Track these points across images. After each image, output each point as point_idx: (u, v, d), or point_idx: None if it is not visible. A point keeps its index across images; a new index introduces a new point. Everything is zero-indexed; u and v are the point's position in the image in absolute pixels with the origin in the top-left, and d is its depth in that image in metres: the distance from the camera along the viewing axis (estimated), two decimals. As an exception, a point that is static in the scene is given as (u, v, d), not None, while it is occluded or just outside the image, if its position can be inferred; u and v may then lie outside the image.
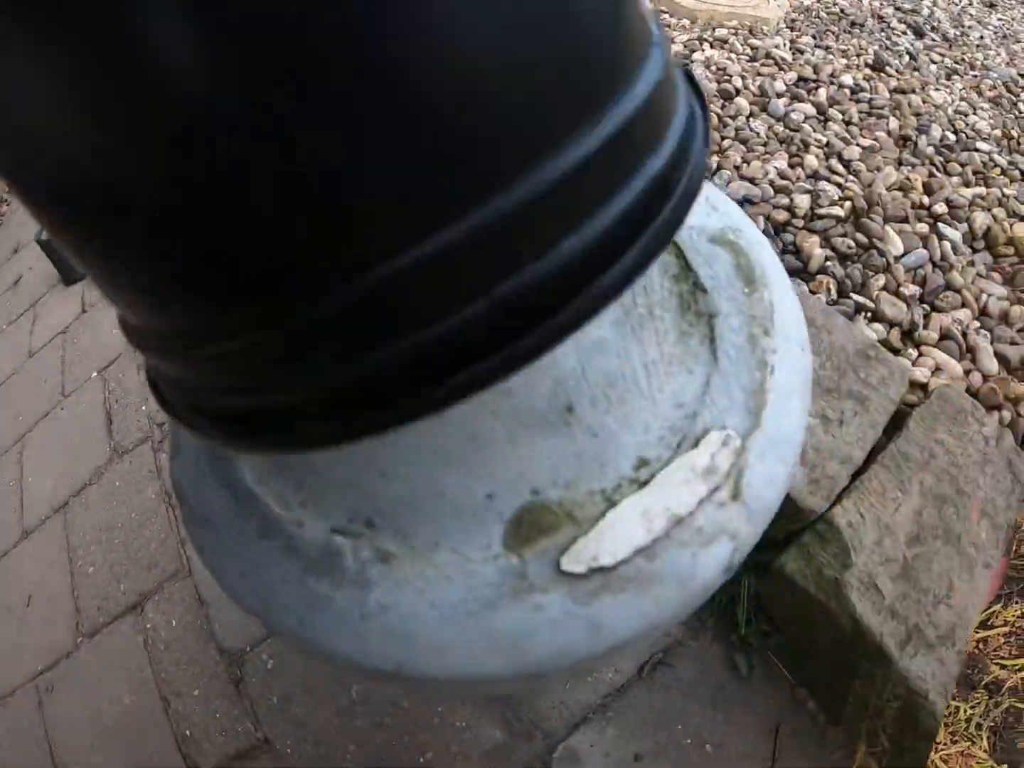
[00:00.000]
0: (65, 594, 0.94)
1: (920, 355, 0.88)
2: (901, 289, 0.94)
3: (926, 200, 1.12)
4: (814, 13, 1.96)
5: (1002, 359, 0.91)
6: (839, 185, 1.09)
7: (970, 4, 2.57)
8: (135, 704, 0.79)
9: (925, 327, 0.91)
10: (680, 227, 0.24)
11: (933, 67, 1.75)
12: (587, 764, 0.62)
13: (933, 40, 1.97)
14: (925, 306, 0.95)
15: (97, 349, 1.35)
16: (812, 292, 0.91)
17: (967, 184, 1.22)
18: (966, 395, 0.74)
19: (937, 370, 0.86)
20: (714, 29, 1.69)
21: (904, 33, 2.00)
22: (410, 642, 0.28)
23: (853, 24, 1.94)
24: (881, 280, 0.94)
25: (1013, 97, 1.70)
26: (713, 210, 0.37)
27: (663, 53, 0.24)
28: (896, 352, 0.86)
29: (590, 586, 0.29)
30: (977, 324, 0.96)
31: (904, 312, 0.92)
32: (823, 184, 1.07)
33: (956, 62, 1.85)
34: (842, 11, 2.04)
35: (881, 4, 2.19)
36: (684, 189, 0.24)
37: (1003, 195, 1.22)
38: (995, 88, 1.71)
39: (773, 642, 0.63)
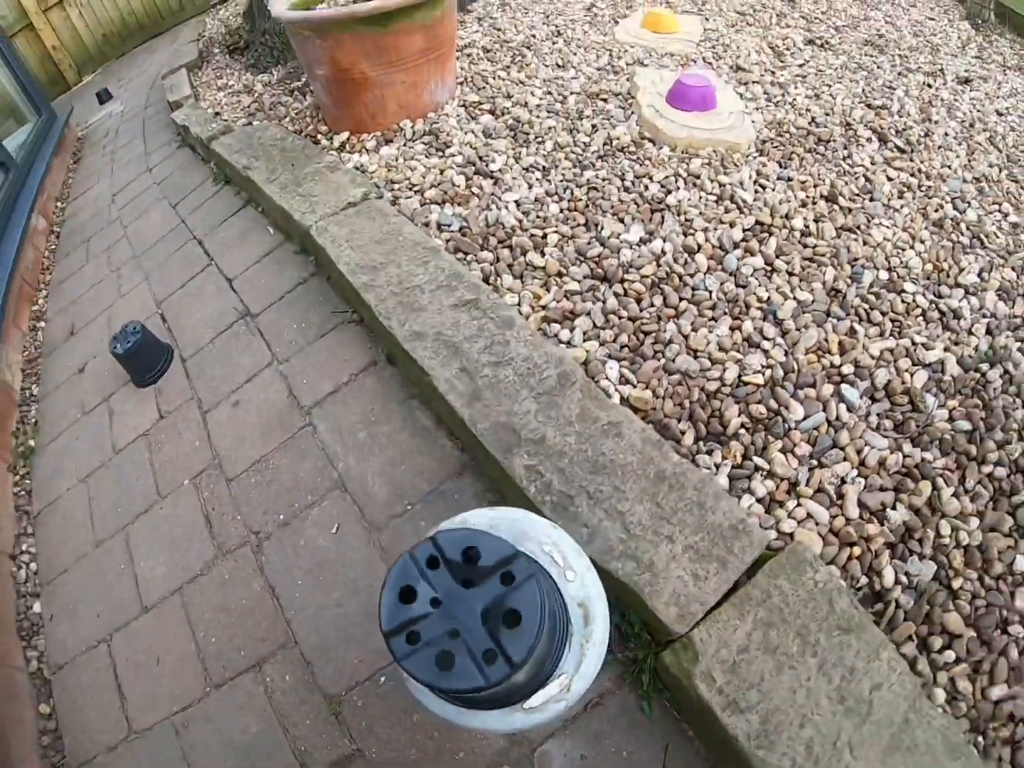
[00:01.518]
0: (191, 656, 1.27)
1: (798, 505, 1.18)
2: (795, 450, 1.24)
3: (837, 360, 1.44)
4: (785, 128, 2.23)
5: (863, 505, 1.31)
6: (766, 352, 1.44)
7: (943, 85, 2.86)
8: (261, 731, 1.14)
9: (807, 483, 1.21)
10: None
11: (887, 186, 2.02)
12: (554, 760, 1.00)
13: (894, 150, 2.24)
14: (813, 461, 1.35)
15: (183, 459, 1.64)
16: (723, 457, 1.33)
17: (883, 334, 1.50)
18: (810, 550, 1.14)
19: (808, 517, 1.18)
20: (690, 160, 1.95)
21: (869, 141, 2.28)
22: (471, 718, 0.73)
23: (819, 141, 2.18)
24: (779, 444, 1.25)
25: (959, 214, 1.97)
26: (580, 586, 0.78)
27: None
28: (780, 504, 1.28)
29: (534, 708, 0.73)
30: (855, 473, 1.35)
31: (792, 470, 1.21)
32: (751, 356, 1.38)
33: (912, 174, 2.12)
34: (812, 120, 2.32)
35: (853, 103, 2.48)
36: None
37: (912, 343, 1.49)
38: (941, 208, 1.98)
39: (664, 695, 1.07)
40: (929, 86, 2.87)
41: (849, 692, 0.94)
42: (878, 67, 2.93)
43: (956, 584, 1.16)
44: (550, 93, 2.42)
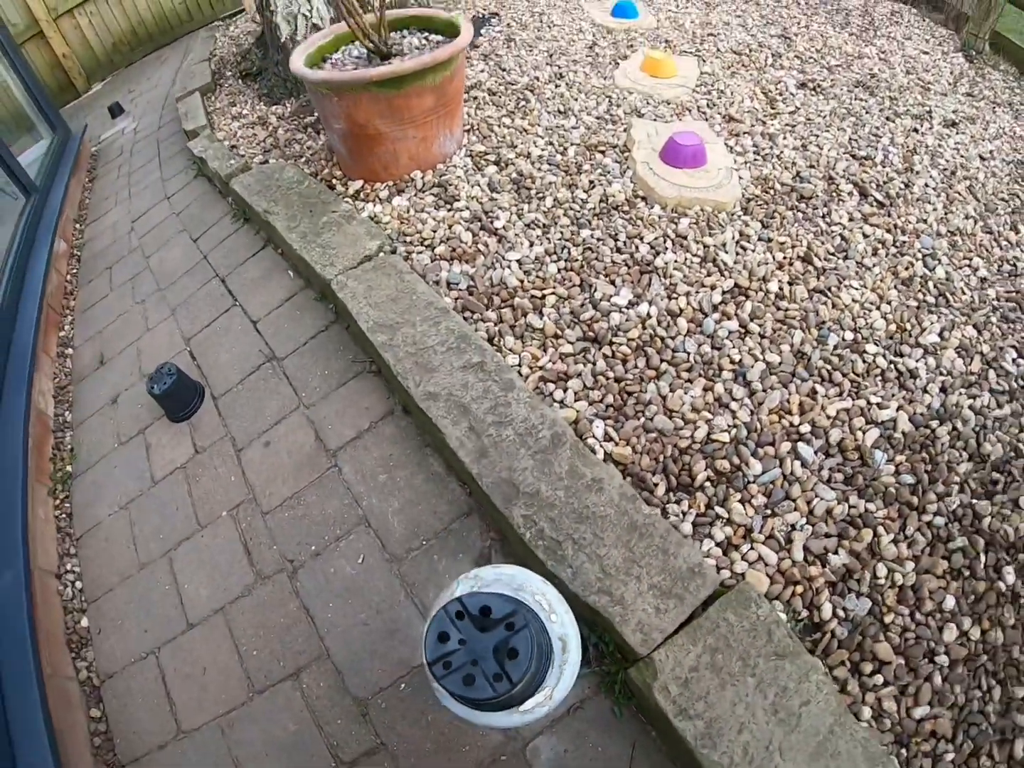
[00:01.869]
0: (235, 667, 1.55)
1: (751, 548, 1.46)
2: (752, 501, 1.56)
3: (796, 420, 1.71)
4: (770, 184, 2.51)
5: (808, 550, 1.62)
6: (733, 413, 1.72)
7: (930, 129, 3.11)
8: (299, 730, 1.41)
9: (760, 530, 1.52)
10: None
11: (862, 244, 2.29)
12: (542, 752, 1.28)
13: (873, 204, 2.51)
14: (767, 511, 1.66)
15: (220, 492, 1.89)
16: (690, 506, 1.64)
17: (841, 394, 1.77)
18: (755, 589, 1.43)
19: (759, 559, 1.49)
20: (679, 220, 2.24)
21: (850, 195, 2.55)
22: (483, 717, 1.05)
23: (801, 198, 2.46)
24: (738, 496, 1.57)
25: (928, 272, 2.24)
26: (560, 625, 1.07)
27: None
28: (736, 547, 1.58)
29: (526, 711, 1.04)
30: (804, 521, 1.66)
31: (748, 518, 1.49)
32: (719, 417, 1.67)
33: (888, 230, 2.38)
34: (797, 175, 2.60)
35: (838, 155, 2.75)
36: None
37: (868, 404, 1.77)
38: (911, 266, 2.24)
39: (632, 702, 1.39)
40: (916, 130, 3.14)
41: (781, 706, 1.24)
42: (867, 112, 3.20)
43: (888, 619, 1.43)
44: (551, 144, 2.72)
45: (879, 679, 1.34)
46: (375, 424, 1.86)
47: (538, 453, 1.52)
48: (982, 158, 3.02)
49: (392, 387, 1.89)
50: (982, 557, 1.51)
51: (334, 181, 2.71)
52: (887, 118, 3.19)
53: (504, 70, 3.37)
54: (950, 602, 1.43)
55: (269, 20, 3.64)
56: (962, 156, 2.99)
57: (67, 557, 2.08)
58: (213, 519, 1.89)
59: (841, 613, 1.42)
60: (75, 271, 3.40)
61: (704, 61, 3.49)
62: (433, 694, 0.95)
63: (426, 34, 2.77)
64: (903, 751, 1.29)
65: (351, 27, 2.40)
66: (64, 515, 2.20)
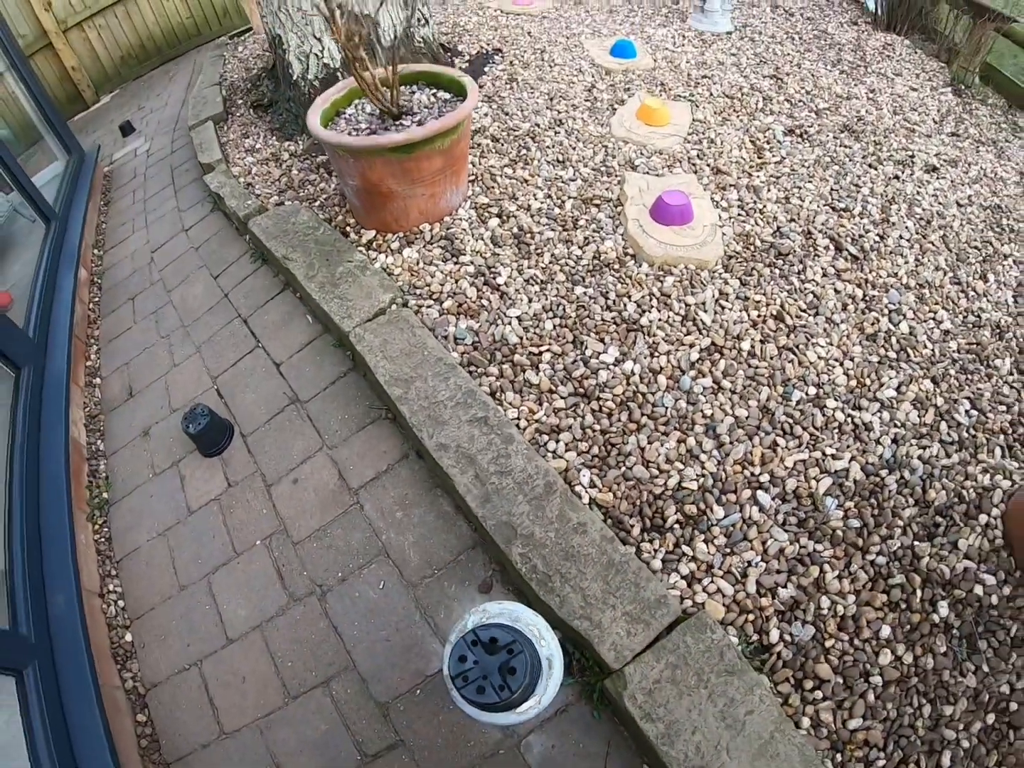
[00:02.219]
0: (272, 676, 1.89)
1: (711, 582, 1.79)
2: (714, 541, 1.89)
3: (757, 471, 2.05)
4: (751, 241, 2.85)
5: (760, 584, 1.98)
6: (702, 464, 2.11)
7: (910, 176, 3.44)
8: (329, 730, 1.74)
9: (720, 566, 1.89)
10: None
11: (832, 300, 2.61)
12: (533, 747, 1.63)
13: (847, 259, 2.82)
14: (727, 550, 2.02)
15: (253, 523, 2.19)
16: (660, 545, 2.01)
17: (800, 446, 2.11)
18: (712, 616, 1.76)
19: (717, 591, 1.87)
20: (664, 278, 2.58)
21: (826, 249, 2.87)
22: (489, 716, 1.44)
23: (779, 255, 2.79)
24: (702, 536, 1.96)
25: (892, 327, 2.55)
26: (547, 648, 1.40)
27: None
28: (698, 580, 1.93)
29: (521, 712, 1.43)
30: (758, 559, 2.01)
31: (710, 556, 1.82)
32: (689, 468, 2.06)
33: (859, 285, 2.69)
34: (777, 230, 2.92)
35: (818, 207, 3.08)
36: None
37: (823, 455, 2.09)
38: (877, 322, 2.52)
39: (608, 707, 1.75)
40: (897, 177, 3.49)
41: (729, 714, 1.62)
42: (850, 159, 3.56)
43: (829, 644, 1.76)
44: (550, 196, 3.09)
45: (819, 694, 1.63)
46: (392, 466, 2.24)
47: (533, 500, 1.90)
48: (959, 204, 3.35)
49: (407, 435, 2.27)
50: (918, 592, 1.80)
51: (348, 228, 3.08)
52: (870, 165, 3.55)
53: (507, 114, 3.74)
54: (886, 631, 1.73)
55: (282, 58, 4.02)
56: (940, 203, 3.33)
57: (108, 578, 2.42)
58: (248, 547, 2.26)
59: (787, 638, 1.72)
60: (97, 299, 3.76)
61: (697, 106, 3.86)
62: (447, 698, 1.34)
63: (434, 90, 3.14)
64: (838, 756, 1.61)
65: (365, 91, 2.78)
66: (103, 539, 2.54)
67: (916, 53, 5.28)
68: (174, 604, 2.24)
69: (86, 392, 3.11)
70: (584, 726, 1.67)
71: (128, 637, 2.20)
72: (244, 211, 3.35)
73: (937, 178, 3.56)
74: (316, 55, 3.88)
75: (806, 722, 1.64)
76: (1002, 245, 3.15)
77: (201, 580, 2.27)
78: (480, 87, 4.04)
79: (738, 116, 3.82)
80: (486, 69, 4.26)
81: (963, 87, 4.89)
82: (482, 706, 1.21)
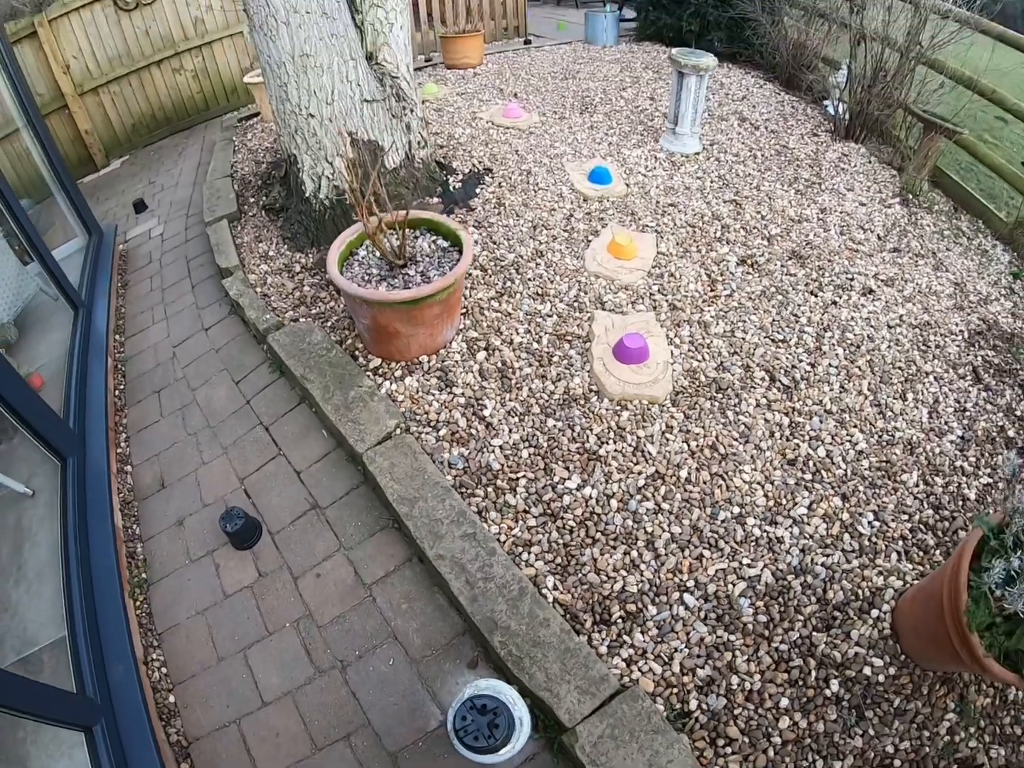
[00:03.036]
0: (301, 731, 2.29)
1: (645, 663, 2.57)
2: (649, 632, 2.62)
3: (686, 577, 2.87)
4: (697, 376, 3.63)
5: (683, 665, 2.76)
6: (641, 572, 2.99)
7: (847, 301, 4.21)
8: None
9: (651, 652, 2.67)
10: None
11: (761, 429, 3.33)
12: None
13: (779, 389, 3.47)
14: (659, 639, 2.77)
15: (283, 609, 2.72)
16: (606, 635, 2.93)
17: (722, 557, 2.97)
18: (644, 690, 2.45)
19: (649, 670, 2.65)
20: (621, 412, 3.39)
21: (762, 381, 3.62)
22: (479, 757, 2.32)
23: (719, 389, 3.54)
24: (639, 629, 2.70)
25: (811, 452, 3.27)
26: (519, 711, 2.15)
27: None
28: (635, 662, 2.75)
29: (501, 755, 2.30)
30: (682, 646, 2.72)
31: (644, 643, 2.57)
32: (632, 575, 2.97)
33: (786, 413, 3.33)
34: (720, 364, 3.69)
35: (759, 340, 3.87)
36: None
37: (740, 564, 2.85)
38: (797, 448, 3.14)
39: (566, 757, 2.31)
40: (835, 303, 4.30)
41: (655, 762, 2.24)
42: (793, 288, 4.38)
43: (737, 711, 2.25)
44: (529, 331, 3.79)
45: (729, 750, 2.17)
46: (398, 567, 3.11)
47: (510, 600, 2.78)
48: (889, 326, 4.04)
49: (411, 543, 3.12)
50: (813, 672, 2.35)
51: (356, 352, 3.83)
52: (811, 292, 4.40)
53: (495, 243, 4.51)
54: (785, 702, 2.28)
55: (296, 175, 4.93)
56: (871, 326, 4.01)
57: (151, 648, 2.80)
58: (279, 628, 3.05)
59: (704, 706, 2.28)
60: (122, 387, 4.30)
61: (662, 237, 4.79)
62: (444, 748, 2.18)
63: (434, 237, 4.05)
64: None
65: (374, 243, 3.72)
66: (144, 614, 2.93)
67: (871, 163, 6.20)
68: (214, 672, 2.69)
69: (118, 478, 3.57)
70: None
71: (171, 699, 2.64)
72: (263, 324, 4.22)
73: (872, 300, 4.30)
74: (327, 177, 4.75)
75: (717, 773, 2.36)
76: (925, 363, 3.82)
77: (238, 653, 2.72)
78: (471, 209, 5.02)
79: (697, 247, 4.74)
80: (477, 191, 5.19)
81: (911, 196, 5.72)
82: (475, 749, 2.09)
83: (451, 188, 5.05)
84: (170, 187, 6.76)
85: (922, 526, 2.94)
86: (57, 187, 5.15)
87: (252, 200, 5.45)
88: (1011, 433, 3.48)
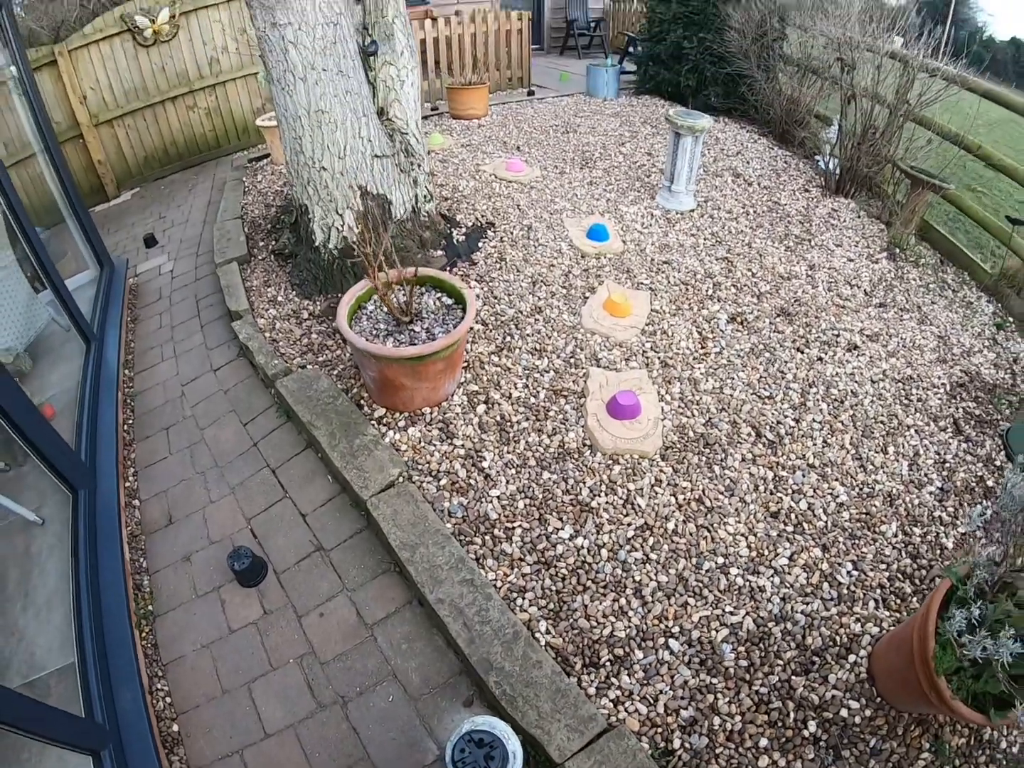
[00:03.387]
0: (303, 763, 2.36)
1: (631, 704, 2.78)
2: (635, 675, 2.84)
3: (671, 624, 3.06)
4: (686, 432, 3.86)
5: (667, 706, 2.97)
6: (629, 618, 3.19)
7: (833, 357, 4.43)
8: None
9: (638, 693, 2.91)
10: None
11: (746, 483, 3.55)
12: None
13: (764, 445, 3.68)
14: (645, 681, 2.94)
15: (287, 645, 2.83)
16: (595, 677, 3.12)
17: (706, 605, 3.18)
18: (630, 728, 2.65)
19: (635, 710, 2.81)
20: (612, 467, 3.61)
21: (748, 436, 3.85)
22: None
23: (707, 445, 3.79)
24: (626, 671, 2.95)
25: (793, 505, 3.49)
26: (512, 746, 2.36)
27: None
28: (622, 703, 2.97)
29: None
30: (639, 688, 3.06)
31: (631, 685, 2.80)
32: (620, 621, 3.16)
33: (771, 467, 3.53)
34: (708, 420, 3.91)
35: (746, 396, 4.09)
36: None
37: (723, 612, 3.04)
38: (781, 501, 3.31)
39: None
40: (820, 359, 4.52)
41: None
42: (781, 345, 4.60)
43: (719, 750, 2.37)
44: (527, 386, 3.98)
45: None
46: (399, 609, 3.32)
47: (505, 643, 3.00)
48: (873, 381, 4.25)
49: (411, 587, 3.32)
50: (792, 714, 2.48)
51: (362, 401, 3.98)
52: (798, 348, 4.64)
53: (496, 298, 4.74)
54: (764, 742, 2.41)
55: (306, 225, 5.19)
56: (855, 382, 4.22)
57: (156, 678, 2.88)
58: (283, 664, 3.22)
59: (687, 745, 2.41)
60: (131, 421, 4.40)
61: (656, 295, 5.06)
62: None
63: (440, 294, 4.32)
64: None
65: (386, 305, 3.99)
66: (151, 645, 3.01)
67: (860, 217, 6.47)
68: (218, 704, 2.77)
69: (126, 512, 3.65)
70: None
71: (175, 728, 2.71)
72: (272, 370, 4.45)
73: (857, 356, 4.48)
74: (337, 229, 5.00)
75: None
76: (907, 416, 4.01)
77: (242, 687, 2.81)
78: (474, 263, 5.29)
79: (690, 304, 5.01)
80: (479, 244, 5.45)
81: (899, 250, 5.98)
82: (472, 782, 2.30)
83: (455, 241, 5.27)
84: (180, 223, 7.03)
85: (900, 575, 3.07)
86: (71, 217, 5.32)
87: (262, 243, 5.68)
88: (990, 483, 3.63)
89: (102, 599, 3.02)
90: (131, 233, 7.06)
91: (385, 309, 3.91)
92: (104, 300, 5.07)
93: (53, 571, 3.12)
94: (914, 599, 2.98)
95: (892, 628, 2.79)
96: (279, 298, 5.00)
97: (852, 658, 2.74)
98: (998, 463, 3.76)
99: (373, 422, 3.89)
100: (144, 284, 6.00)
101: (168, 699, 2.89)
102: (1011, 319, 5.19)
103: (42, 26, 8.33)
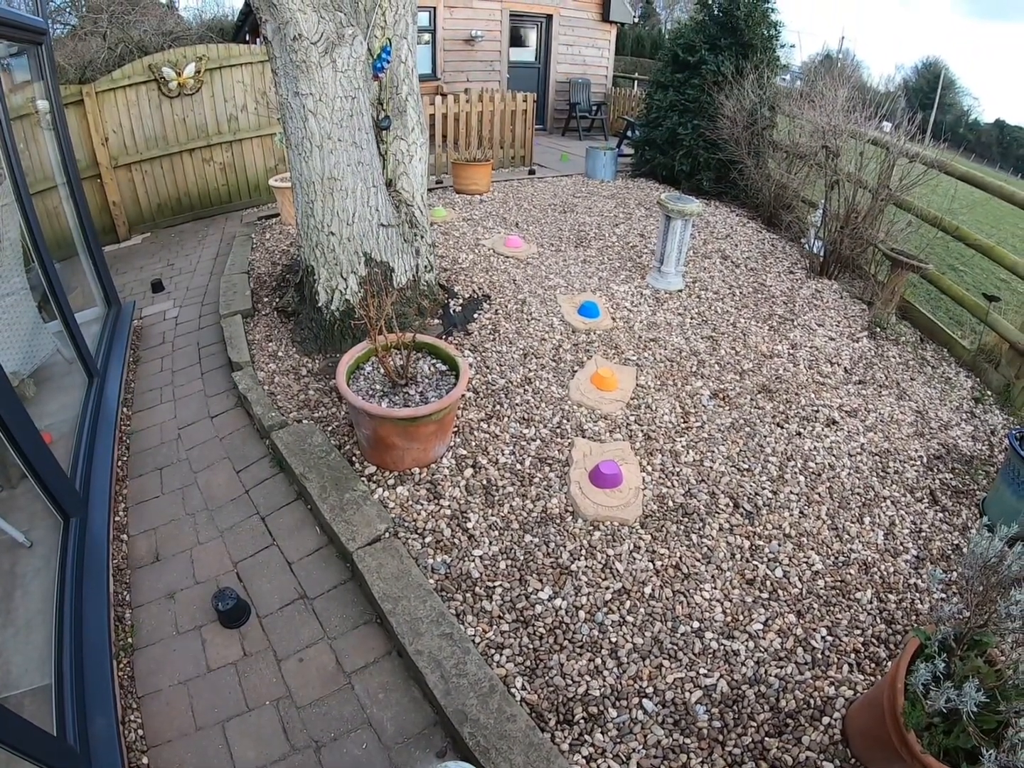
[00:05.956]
0: None
1: (604, 761, 3.10)
2: (609, 732, 2.87)
3: (645, 684, 3.08)
4: (665, 502, 3.93)
5: (639, 764, 3.16)
6: (603, 678, 3.23)
7: (811, 432, 4.51)
8: None
9: (611, 751, 2.87)
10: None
11: (723, 551, 3.60)
12: None
13: (742, 515, 3.74)
14: (618, 739, 2.99)
15: (264, 688, 2.80)
16: (569, 733, 3.15)
17: (680, 666, 3.22)
18: None
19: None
20: (593, 532, 3.69)
21: (726, 507, 3.91)
22: None
23: (686, 514, 3.87)
24: (600, 729, 3.00)
25: (769, 573, 3.53)
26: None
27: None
28: (595, 760, 3.10)
29: None
30: (614, 747, 3.12)
31: (605, 743, 2.79)
32: (595, 680, 3.16)
33: (747, 537, 3.52)
34: (688, 491, 4.00)
35: (725, 469, 4.20)
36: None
37: (698, 674, 3.08)
38: (756, 569, 3.29)
39: None
40: (799, 434, 4.63)
41: None
42: (761, 420, 4.71)
43: None
44: (514, 453, 4.06)
45: None
46: (378, 659, 3.34)
47: (480, 696, 3.04)
48: (851, 455, 4.32)
49: (391, 637, 3.35)
50: None
51: (354, 458, 4.06)
52: (778, 424, 4.75)
53: (488, 367, 4.82)
54: None
55: (311, 285, 5.34)
56: (833, 455, 4.30)
57: (130, 710, 2.82)
58: (259, 705, 3.17)
59: None
60: (125, 458, 4.41)
61: (642, 370, 5.19)
62: None
63: (435, 361, 4.45)
64: None
65: (384, 367, 4.12)
66: (127, 677, 2.95)
67: (842, 298, 6.68)
68: (190, 740, 2.72)
69: (114, 545, 3.64)
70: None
71: (145, 760, 2.65)
72: (268, 421, 4.55)
73: (835, 431, 4.57)
74: (340, 291, 5.16)
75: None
76: (883, 488, 4.07)
77: (216, 725, 2.77)
78: (468, 333, 5.45)
79: (674, 380, 5.16)
80: (475, 316, 5.61)
81: (879, 328, 6.13)
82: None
83: (452, 311, 5.38)
84: (188, 272, 7.20)
85: (874, 640, 3.09)
86: (85, 253, 5.43)
87: (266, 299, 5.81)
88: (965, 551, 3.56)
89: (84, 627, 3.02)
90: (139, 276, 7.22)
91: (382, 371, 3.99)
92: (109, 338, 5.16)
93: (36, 593, 3.14)
94: (888, 663, 2.99)
95: (866, 691, 2.81)
96: (280, 353, 5.12)
97: (826, 720, 2.74)
98: (974, 531, 3.80)
99: (364, 478, 3.95)
100: (148, 327, 6.13)
101: (140, 731, 2.84)
102: (989, 392, 5.31)
103: (70, 63, 8.67)
